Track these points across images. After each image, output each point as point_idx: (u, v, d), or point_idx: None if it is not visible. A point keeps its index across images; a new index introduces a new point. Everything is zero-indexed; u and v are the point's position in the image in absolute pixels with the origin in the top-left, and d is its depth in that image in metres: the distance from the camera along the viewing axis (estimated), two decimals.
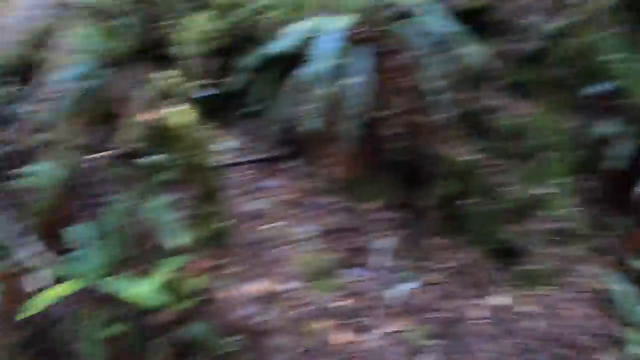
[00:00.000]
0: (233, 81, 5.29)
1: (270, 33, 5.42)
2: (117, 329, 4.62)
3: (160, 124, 5.49)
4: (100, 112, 7.05)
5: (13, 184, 5.69)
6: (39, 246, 3.26)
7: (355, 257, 4.94)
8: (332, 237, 5.04)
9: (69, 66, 8.11)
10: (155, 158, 4.59)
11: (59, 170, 6.69)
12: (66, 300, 5.76)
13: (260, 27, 5.54)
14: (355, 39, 4.65)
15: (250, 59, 5.27)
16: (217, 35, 5.67)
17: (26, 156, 4.65)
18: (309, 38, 4.72)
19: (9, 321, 6.07)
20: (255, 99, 5.45)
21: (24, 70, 10.27)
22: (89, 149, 6.89)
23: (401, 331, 4.29)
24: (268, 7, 5.67)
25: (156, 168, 4.92)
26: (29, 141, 4.22)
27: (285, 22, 5.64)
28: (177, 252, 4.81)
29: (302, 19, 5.61)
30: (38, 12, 10.47)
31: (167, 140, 4.55)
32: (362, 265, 4.86)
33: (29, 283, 6.16)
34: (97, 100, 7.22)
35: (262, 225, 5.10)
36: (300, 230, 5.03)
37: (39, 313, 6.00)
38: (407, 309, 4.47)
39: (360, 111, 4.53)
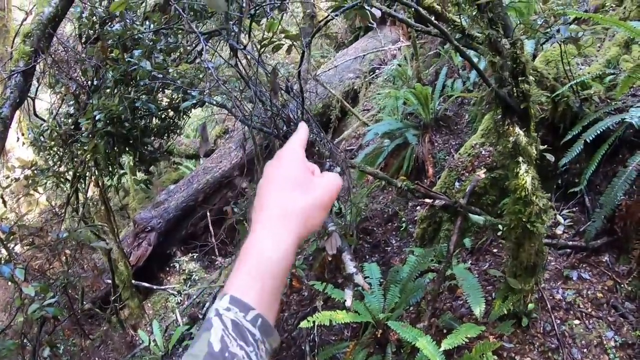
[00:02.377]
0: (561, 155, 4.90)
1: (595, 110, 5.01)
2: None
3: (497, 182, 5.37)
4: (403, 166, 7.29)
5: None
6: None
7: None
8: (633, 353, 4.26)
9: (378, 123, 8.70)
10: (482, 217, 4.36)
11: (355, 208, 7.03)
12: (334, 325, 5.93)
13: (584, 104, 5.12)
14: None
15: (577, 136, 4.86)
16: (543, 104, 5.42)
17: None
18: None
19: None
20: (581, 178, 4.97)
21: (327, 119, 11.41)
22: (402, 194, 7.13)
23: None
24: (589, 83, 5.28)
25: (480, 226, 4.73)
26: None
27: (607, 100, 5.18)
28: (471, 320, 4.50)
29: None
30: (350, 73, 11.66)
31: (502, 200, 4.34)
32: None
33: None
34: (402, 156, 7.52)
35: (565, 319, 4.52)
36: (601, 336, 4.35)
37: (290, 327, 6.39)
38: None
39: None
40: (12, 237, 3.51)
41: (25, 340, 3.37)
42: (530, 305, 4.31)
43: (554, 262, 4.97)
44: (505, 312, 4.29)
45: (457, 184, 5.99)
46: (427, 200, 4.33)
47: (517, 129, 3.66)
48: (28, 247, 3.43)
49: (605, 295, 4.63)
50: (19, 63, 3.47)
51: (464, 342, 3.99)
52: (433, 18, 3.91)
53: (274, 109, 3.50)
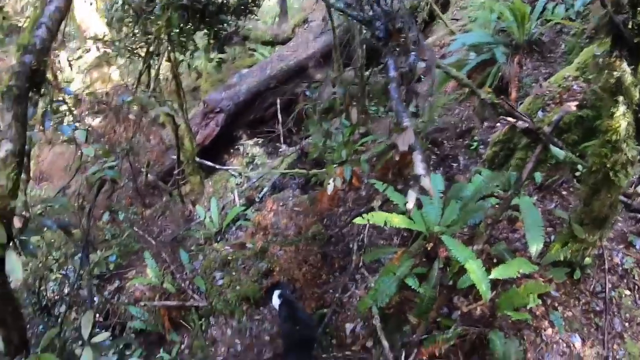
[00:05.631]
0: None
1: None
2: (415, 282, 4.41)
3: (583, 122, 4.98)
4: (486, 83, 6.85)
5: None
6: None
7: None
8: None
9: (464, 34, 8.12)
10: (563, 152, 4.03)
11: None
12: (385, 229, 5.93)
13: None
14: None
15: None
16: None
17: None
18: None
19: (316, 217, 6.54)
20: None
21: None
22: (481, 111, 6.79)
23: None
24: None
25: (557, 162, 4.42)
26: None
27: None
28: (525, 256, 4.31)
29: None
30: None
31: (584, 142, 3.99)
32: None
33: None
34: (486, 73, 7.04)
35: (617, 285, 4.22)
36: None
37: (342, 223, 6.50)
38: None
39: None
40: (78, 103, 3.53)
41: (82, 202, 3.49)
42: (587, 260, 4.05)
43: (622, 223, 4.59)
44: (561, 258, 4.06)
45: (540, 113, 5.56)
46: (510, 118, 3.99)
47: (625, 65, 3.21)
48: (92, 112, 3.45)
49: None
50: None
51: (514, 276, 3.83)
52: None
53: None
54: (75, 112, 3.33)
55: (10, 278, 2.20)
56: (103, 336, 2.22)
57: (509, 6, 6.99)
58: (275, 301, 5.01)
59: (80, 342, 2.38)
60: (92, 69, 9.56)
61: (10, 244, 2.17)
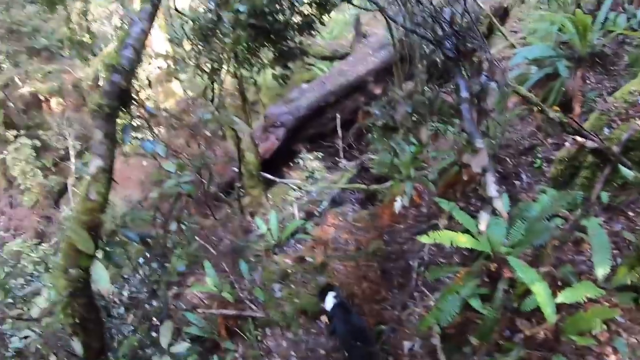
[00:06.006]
0: None
1: None
2: (478, 303, 4.33)
3: None
4: (549, 99, 6.71)
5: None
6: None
7: None
8: None
9: (525, 47, 7.99)
10: (633, 173, 3.92)
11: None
12: (445, 247, 5.86)
13: None
14: None
15: None
16: None
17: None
18: None
19: (376, 232, 6.55)
20: None
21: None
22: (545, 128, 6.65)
23: None
24: None
25: (624, 182, 4.29)
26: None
27: None
28: (594, 280, 4.20)
29: None
30: None
31: None
32: None
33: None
34: (549, 88, 6.89)
35: None
36: None
37: (402, 240, 6.44)
38: None
39: None
40: (152, 118, 3.71)
41: (157, 214, 3.66)
42: None
43: None
44: (628, 282, 3.94)
45: (606, 129, 5.39)
46: (578, 138, 3.91)
47: None
48: (169, 127, 3.62)
49: None
50: None
51: (582, 301, 3.73)
52: None
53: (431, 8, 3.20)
54: (153, 128, 3.50)
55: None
56: (183, 347, 2.31)
57: (570, 18, 6.82)
58: (329, 302, 5.03)
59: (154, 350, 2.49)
60: (157, 83, 9.96)
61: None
